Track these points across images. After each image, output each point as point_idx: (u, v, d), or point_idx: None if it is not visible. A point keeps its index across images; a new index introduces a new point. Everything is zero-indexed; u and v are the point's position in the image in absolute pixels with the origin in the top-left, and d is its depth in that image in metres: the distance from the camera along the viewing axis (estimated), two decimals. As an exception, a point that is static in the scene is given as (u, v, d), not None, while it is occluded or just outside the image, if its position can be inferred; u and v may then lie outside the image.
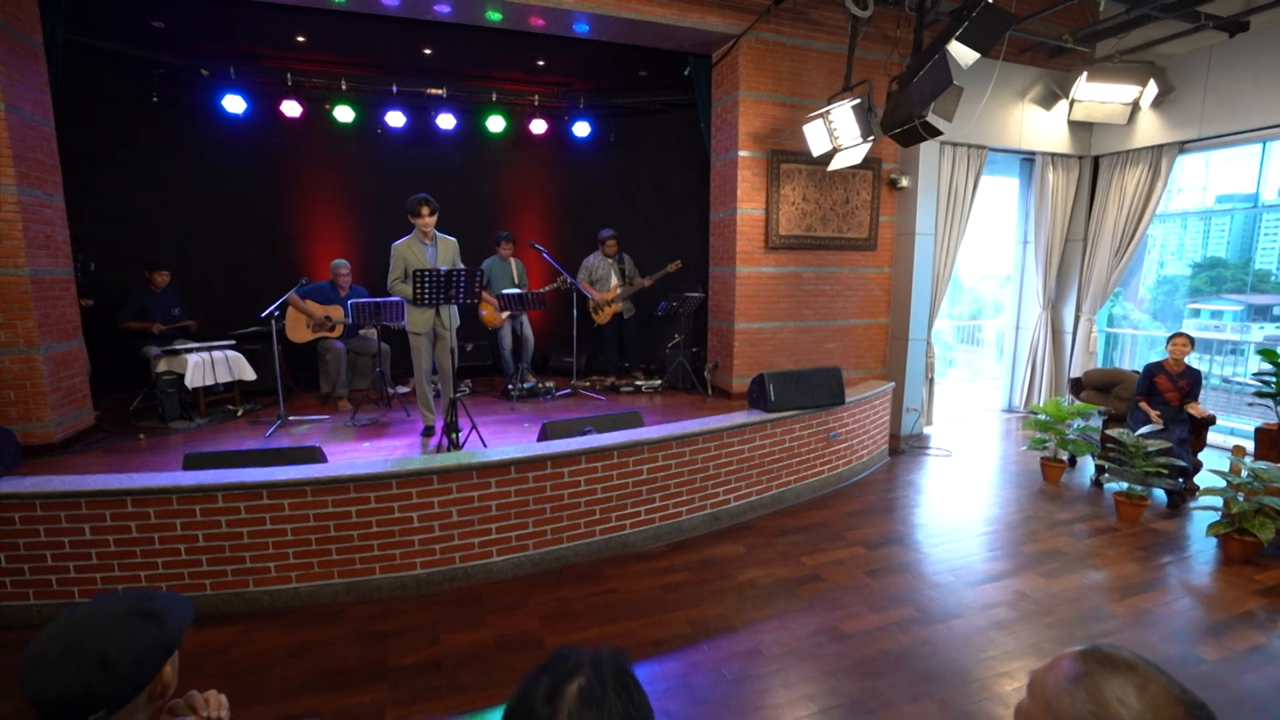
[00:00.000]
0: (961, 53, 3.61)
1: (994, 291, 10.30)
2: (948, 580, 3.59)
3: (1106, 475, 4.67)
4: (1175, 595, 3.42)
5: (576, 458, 3.63)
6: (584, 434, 3.98)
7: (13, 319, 4.09)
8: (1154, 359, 5.18)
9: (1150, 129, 6.23)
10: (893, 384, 5.81)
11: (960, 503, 4.79)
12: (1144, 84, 5.92)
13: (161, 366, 5.02)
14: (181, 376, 4.97)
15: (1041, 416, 5.26)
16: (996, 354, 9.00)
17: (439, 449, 4.36)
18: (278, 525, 3.13)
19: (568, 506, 3.67)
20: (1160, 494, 4.72)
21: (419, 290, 4.09)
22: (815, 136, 5.11)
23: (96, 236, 5.69)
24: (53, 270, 4.35)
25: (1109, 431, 4.85)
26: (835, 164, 5.25)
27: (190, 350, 5.10)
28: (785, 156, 5.70)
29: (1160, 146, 6.19)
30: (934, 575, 3.65)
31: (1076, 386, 5.86)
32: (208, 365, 5.12)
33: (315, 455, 3.51)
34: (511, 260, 6.52)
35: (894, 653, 2.90)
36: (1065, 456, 5.38)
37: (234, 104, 6.20)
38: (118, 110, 6.07)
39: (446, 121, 6.93)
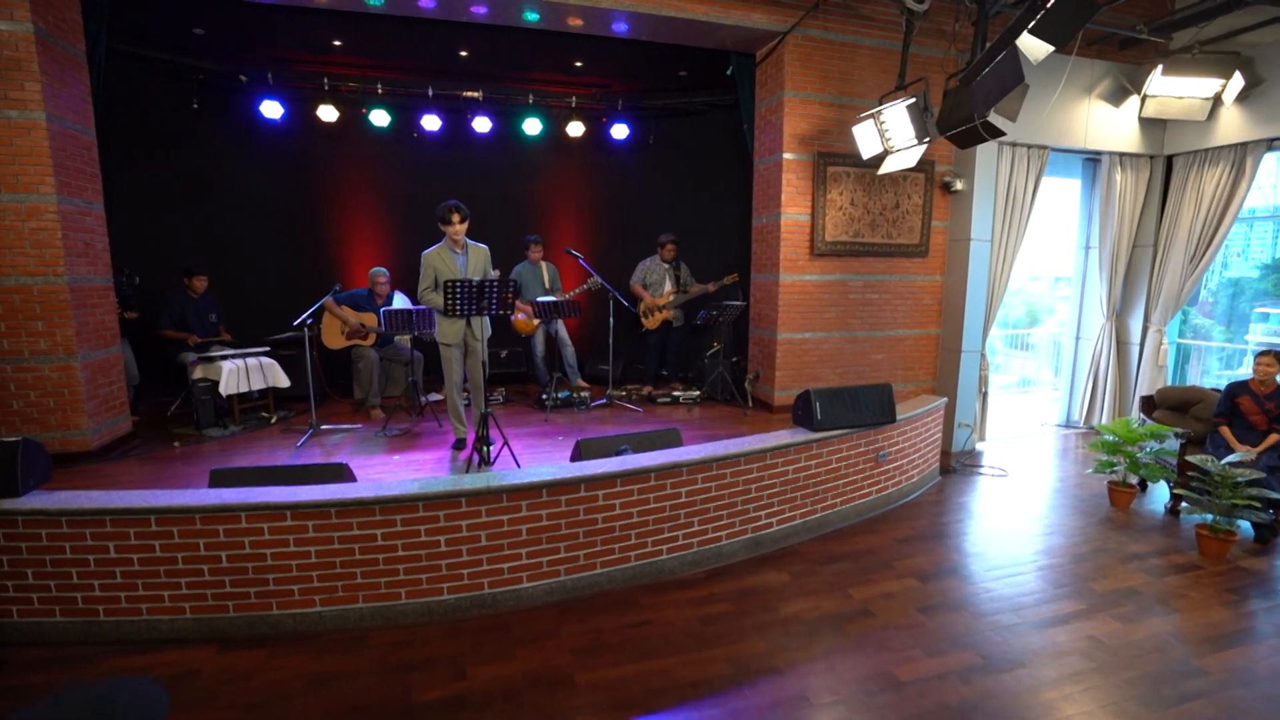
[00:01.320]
0: (1034, 46, 3.31)
1: (1045, 294, 9.81)
2: (1011, 621, 3.29)
3: (1185, 505, 4.28)
4: (1277, 650, 3.06)
5: (612, 480, 3.44)
6: (620, 454, 3.79)
7: (52, 327, 4.11)
8: (1237, 377, 4.74)
9: (1233, 125, 5.75)
10: (944, 399, 5.47)
11: (1019, 529, 4.46)
12: (1227, 76, 5.47)
13: (197, 373, 5.03)
14: (216, 383, 4.96)
15: (1109, 437, 4.87)
16: (1051, 360, 8.51)
17: (469, 463, 4.23)
18: (301, 547, 3.02)
19: (602, 531, 3.48)
20: (1245, 525, 4.31)
21: (450, 301, 3.96)
22: (865, 138, 4.83)
23: (137, 243, 5.74)
24: (91, 278, 4.36)
25: (1188, 457, 4.44)
26: (886, 167, 4.96)
27: (225, 357, 5.10)
28: (832, 159, 5.43)
29: (1245, 144, 5.71)
30: (995, 614, 3.36)
31: (1148, 405, 5.43)
32: (242, 372, 5.10)
33: (341, 473, 3.40)
34: (543, 264, 6.38)
35: (955, 706, 2.64)
36: (1135, 481, 4.98)
37: (271, 109, 6.20)
38: (158, 117, 6.13)
39: (482, 124, 6.83)
